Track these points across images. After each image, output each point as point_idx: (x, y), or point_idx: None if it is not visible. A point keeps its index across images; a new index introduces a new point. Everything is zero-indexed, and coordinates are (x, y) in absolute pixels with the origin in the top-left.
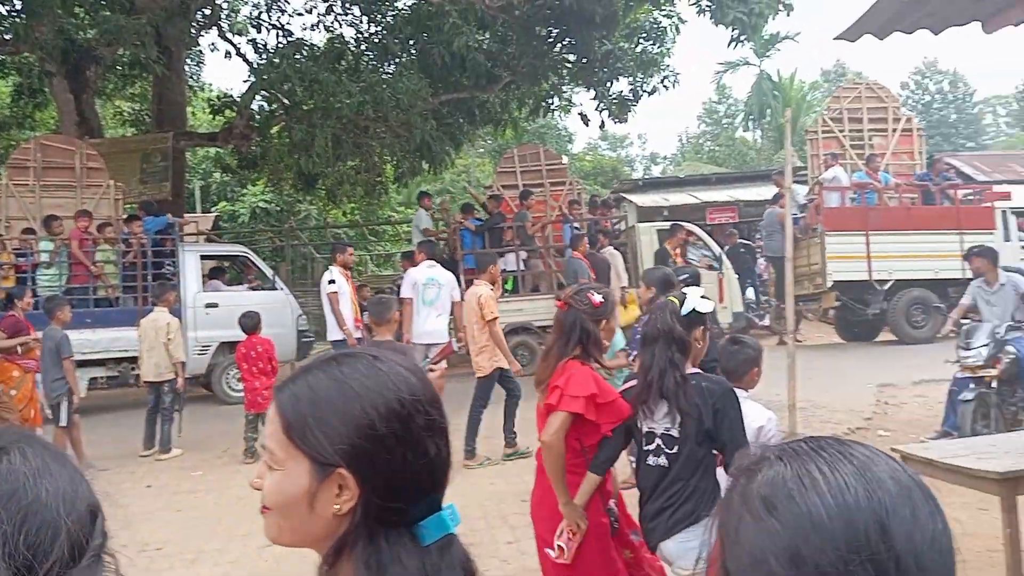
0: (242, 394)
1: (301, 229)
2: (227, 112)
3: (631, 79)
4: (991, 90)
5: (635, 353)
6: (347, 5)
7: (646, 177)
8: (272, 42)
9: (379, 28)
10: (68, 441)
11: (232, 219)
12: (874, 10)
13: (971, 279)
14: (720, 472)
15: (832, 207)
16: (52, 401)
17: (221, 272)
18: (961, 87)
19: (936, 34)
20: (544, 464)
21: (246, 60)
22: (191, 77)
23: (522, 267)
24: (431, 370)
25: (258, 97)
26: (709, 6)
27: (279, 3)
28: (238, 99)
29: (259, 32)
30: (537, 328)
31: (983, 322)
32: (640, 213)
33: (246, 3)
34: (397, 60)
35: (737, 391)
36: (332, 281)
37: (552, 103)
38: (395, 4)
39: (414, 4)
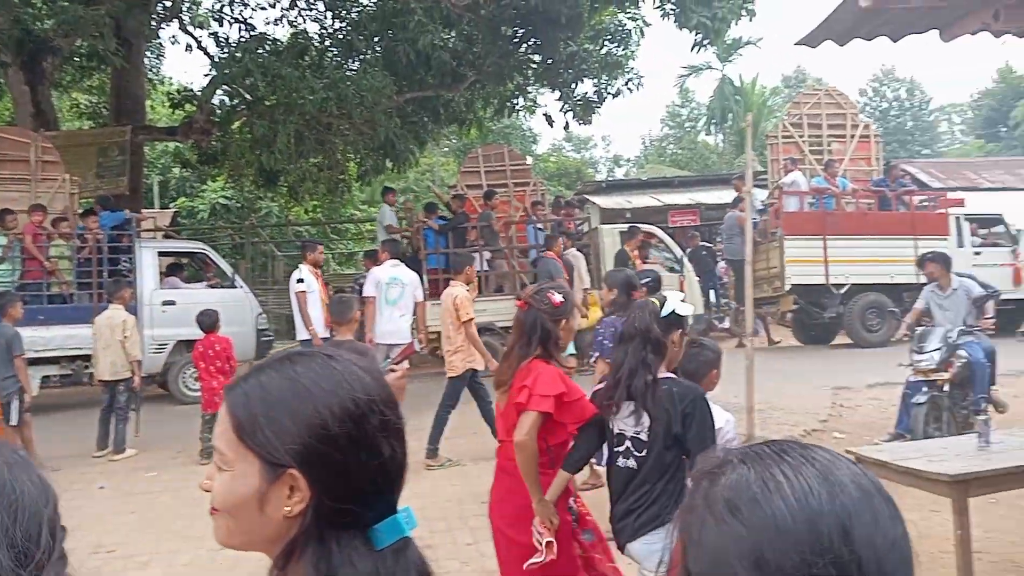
0: (199, 394)
1: (262, 226)
2: (187, 106)
3: (595, 81)
4: (947, 98)
5: (596, 355)
6: (311, 0)
7: (609, 179)
8: (234, 36)
9: (343, 24)
10: (19, 440)
11: (191, 215)
12: (835, 16)
13: (925, 284)
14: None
15: (791, 211)
16: (3, 399)
17: (179, 269)
18: (918, 95)
19: (895, 41)
20: (517, 463)
21: (207, 54)
22: (151, 70)
23: (486, 267)
24: (392, 370)
25: (219, 91)
26: (673, 10)
27: None
28: (199, 93)
29: (221, 26)
30: (500, 329)
31: (936, 326)
32: (603, 215)
33: None
34: (362, 57)
35: None
36: (301, 280)
37: (517, 103)
38: (360, 0)
39: (379, 1)
